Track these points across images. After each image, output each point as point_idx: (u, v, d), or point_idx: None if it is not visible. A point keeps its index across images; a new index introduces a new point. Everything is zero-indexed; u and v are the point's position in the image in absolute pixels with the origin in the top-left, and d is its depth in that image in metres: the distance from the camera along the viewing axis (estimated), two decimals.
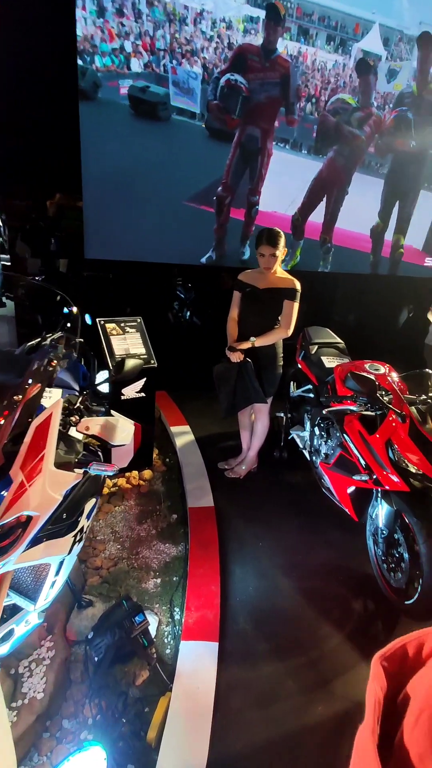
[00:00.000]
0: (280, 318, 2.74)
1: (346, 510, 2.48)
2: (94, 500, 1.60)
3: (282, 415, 3.48)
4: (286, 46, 3.92)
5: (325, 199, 4.50)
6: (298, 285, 2.68)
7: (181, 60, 3.73)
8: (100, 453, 1.60)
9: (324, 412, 2.35)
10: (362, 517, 2.44)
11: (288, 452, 3.41)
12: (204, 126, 3.95)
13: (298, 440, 3.18)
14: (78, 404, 1.53)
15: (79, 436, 1.50)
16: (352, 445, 2.26)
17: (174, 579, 2.39)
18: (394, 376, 2.42)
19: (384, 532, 2.20)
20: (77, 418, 1.49)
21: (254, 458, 3.22)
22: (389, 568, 2.23)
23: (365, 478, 2.13)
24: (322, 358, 3.11)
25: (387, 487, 2.06)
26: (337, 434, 2.49)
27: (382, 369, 2.50)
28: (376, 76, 4.23)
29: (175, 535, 2.68)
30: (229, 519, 2.81)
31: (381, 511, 2.22)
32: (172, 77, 3.75)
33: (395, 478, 2.01)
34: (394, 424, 2.06)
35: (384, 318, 5.03)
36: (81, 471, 1.35)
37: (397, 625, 2.18)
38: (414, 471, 1.99)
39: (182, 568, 2.45)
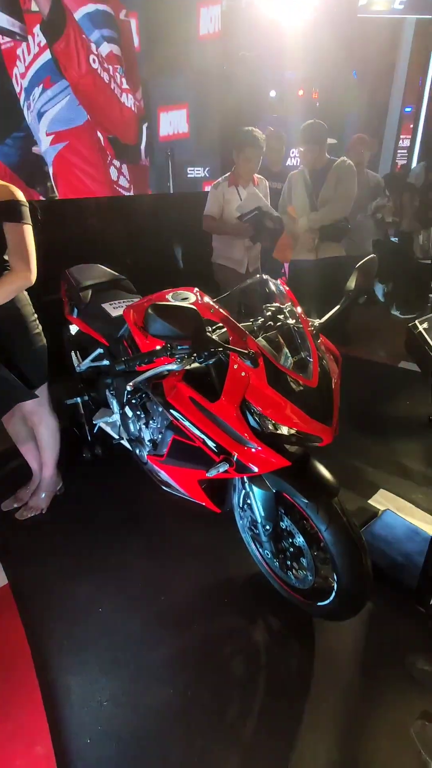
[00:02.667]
0: (6, 256, 1.61)
1: (203, 504, 1.70)
2: None
3: (77, 400, 2.43)
4: None
5: None
6: (19, 194, 1.58)
7: None
8: None
9: (129, 386, 1.42)
10: (225, 504, 1.71)
11: (101, 446, 2.43)
12: None
13: (108, 429, 2.23)
14: None
15: None
16: (187, 423, 1.43)
17: None
18: (213, 302, 1.63)
19: (266, 526, 1.50)
20: None
21: (54, 477, 2.16)
22: (284, 566, 1.58)
23: (224, 467, 1.35)
24: (103, 305, 2.14)
25: (257, 470, 1.33)
26: (160, 410, 1.63)
27: (192, 296, 1.69)
28: None
29: None
30: (41, 591, 1.75)
31: (254, 499, 1.50)
32: None
33: (267, 454, 1.28)
34: (243, 374, 1.28)
35: (161, 241, 4.19)
36: None
37: (320, 638, 1.58)
38: (288, 434, 1.28)
39: None
